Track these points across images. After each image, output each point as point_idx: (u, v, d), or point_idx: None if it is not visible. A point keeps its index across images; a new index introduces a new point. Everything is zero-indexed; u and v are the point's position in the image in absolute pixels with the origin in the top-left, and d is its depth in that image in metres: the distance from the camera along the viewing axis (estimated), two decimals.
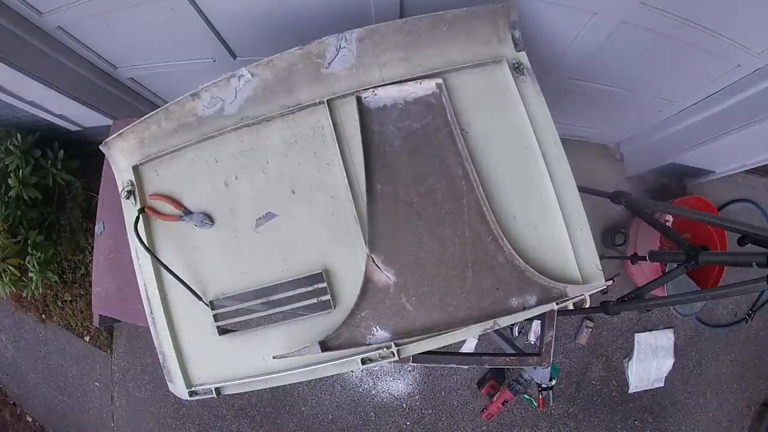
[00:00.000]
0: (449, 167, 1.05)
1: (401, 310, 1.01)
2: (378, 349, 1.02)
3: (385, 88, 1.07)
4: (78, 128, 2.36)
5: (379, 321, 1.01)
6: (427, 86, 1.08)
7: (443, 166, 1.06)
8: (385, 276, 1.02)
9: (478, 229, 1.02)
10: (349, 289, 1.06)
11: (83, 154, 2.56)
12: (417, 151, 1.07)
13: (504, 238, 1.01)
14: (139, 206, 1.18)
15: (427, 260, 1.03)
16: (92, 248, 1.65)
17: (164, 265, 1.12)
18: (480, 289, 1.02)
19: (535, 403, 2.31)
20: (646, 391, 2.43)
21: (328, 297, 1.06)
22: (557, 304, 1.03)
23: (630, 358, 2.40)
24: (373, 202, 1.05)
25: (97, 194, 1.44)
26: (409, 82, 1.07)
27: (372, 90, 1.07)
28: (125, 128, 1.18)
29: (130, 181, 1.20)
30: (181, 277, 1.10)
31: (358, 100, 1.08)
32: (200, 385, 1.15)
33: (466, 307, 1.01)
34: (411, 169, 1.06)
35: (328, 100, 1.08)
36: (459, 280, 1.02)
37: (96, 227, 1.44)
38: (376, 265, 1.03)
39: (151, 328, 1.17)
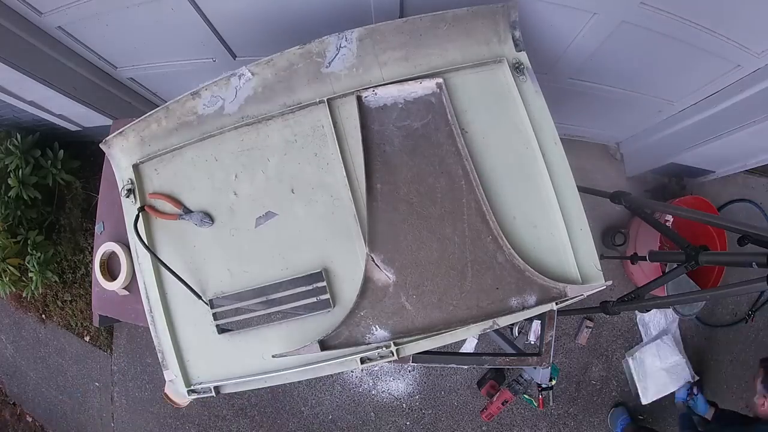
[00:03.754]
0: (449, 166, 1.05)
1: (401, 309, 1.01)
2: (377, 348, 1.02)
3: (385, 87, 1.07)
4: (78, 128, 2.37)
5: (378, 320, 1.01)
6: (428, 85, 1.08)
7: (443, 166, 1.06)
8: (384, 275, 1.02)
9: (478, 229, 1.02)
10: (348, 289, 1.06)
11: (83, 154, 2.57)
12: (417, 150, 1.07)
13: (504, 238, 1.01)
14: (139, 205, 1.18)
15: (427, 259, 1.03)
16: (92, 248, 1.65)
17: (164, 263, 1.12)
18: (479, 289, 1.02)
19: (535, 403, 2.31)
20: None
21: (327, 296, 1.06)
22: (557, 304, 1.03)
23: (632, 360, 2.38)
24: (373, 201, 1.04)
25: (97, 194, 1.44)
26: (409, 81, 1.07)
27: (372, 89, 1.07)
28: (126, 126, 1.18)
29: (130, 179, 1.20)
30: (180, 275, 1.10)
31: (359, 99, 1.08)
32: (199, 384, 1.15)
33: (466, 306, 1.01)
34: (411, 168, 1.06)
35: (328, 99, 1.09)
36: (458, 279, 1.02)
37: (96, 227, 1.44)
38: (376, 264, 1.02)
39: (151, 328, 1.17)
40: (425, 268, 1.03)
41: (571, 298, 1.01)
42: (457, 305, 1.01)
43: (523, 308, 1.01)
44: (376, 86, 1.08)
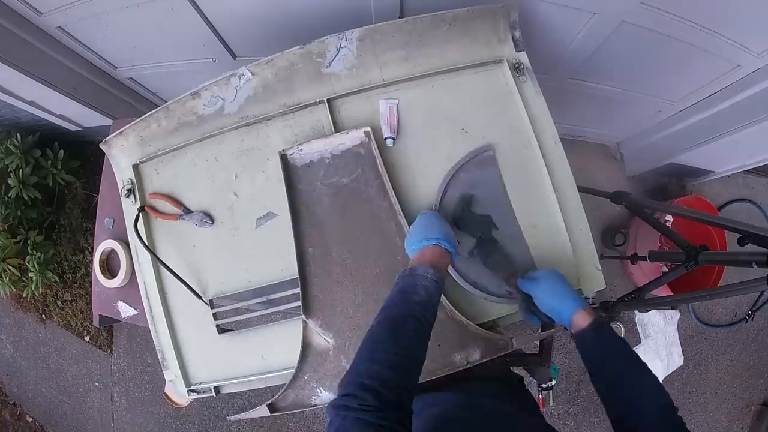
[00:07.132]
0: (382, 223, 1.02)
1: (342, 371, 0.98)
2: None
3: (310, 143, 1.04)
4: (78, 128, 2.37)
5: (321, 383, 1.01)
6: (355, 136, 1.04)
7: (376, 223, 1.02)
8: (323, 340, 1.01)
9: None
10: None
11: (83, 154, 2.57)
12: (347, 208, 1.03)
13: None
14: (139, 205, 1.18)
15: (365, 322, 1.00)
16: (92, 248, 1.65)
17: (164, 263, 1.12)
18: None
19: None
20: None
21: None
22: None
23: None
24: (305, 265, 1.03)
25: (97, 194, 1.44)
26: (335, 134, 1.04)
27: (297, 146, 1.04)
28: (125, 127, 1.19)
29: (130, 179, 1.20)
30: (181, 276, 1.10)
31: (283, 158, 1.04)
32: (199, 384, 1.15)
33: None
34: (342, 228, 1.03)
35: (328, 100, 1.09)
36: None
37: (96, 227, 1.44)
38: (314, 329, 1.01)
39: (151, 328, 1.17)
40: (363, 331, 0.98)
41: (520, 346, 0.97)
42: None
43: (467, 363, 0.97)
44: (300, 143, 1.04)
